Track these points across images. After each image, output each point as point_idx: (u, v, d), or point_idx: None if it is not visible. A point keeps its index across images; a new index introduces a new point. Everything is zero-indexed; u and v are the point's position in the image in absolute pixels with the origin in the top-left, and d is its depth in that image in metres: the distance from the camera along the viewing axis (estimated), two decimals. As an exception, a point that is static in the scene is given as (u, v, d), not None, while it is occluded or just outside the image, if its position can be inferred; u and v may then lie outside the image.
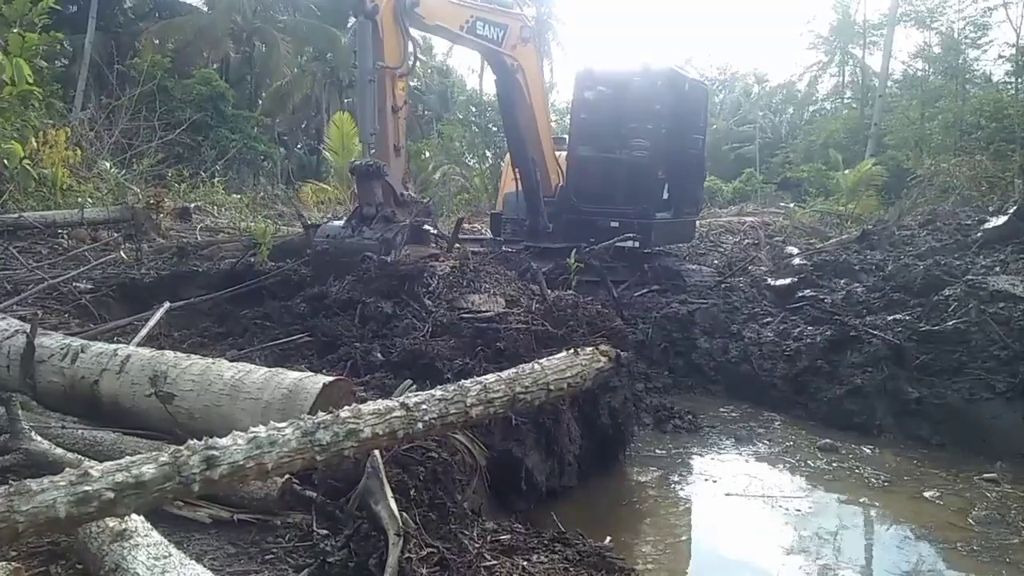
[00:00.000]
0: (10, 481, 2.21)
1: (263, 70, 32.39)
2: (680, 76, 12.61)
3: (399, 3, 7.95)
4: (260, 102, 31.74)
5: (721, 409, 7.85)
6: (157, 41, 26.58)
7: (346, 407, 2.85)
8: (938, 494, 5.64)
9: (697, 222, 13.66)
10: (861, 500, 5.65)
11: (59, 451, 3.34)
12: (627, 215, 10.65)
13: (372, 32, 7.72)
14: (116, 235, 10.00)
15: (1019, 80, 23.43)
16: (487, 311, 5.77)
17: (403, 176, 8.05)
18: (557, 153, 11.20)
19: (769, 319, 8.96)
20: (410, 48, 8.24)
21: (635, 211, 10.74)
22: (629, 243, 10.44)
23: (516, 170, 10.63)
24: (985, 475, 5.93)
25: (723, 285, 10.59)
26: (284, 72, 31.38)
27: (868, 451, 6.60)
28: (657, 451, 6.52)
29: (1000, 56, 25.58)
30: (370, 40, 7.73)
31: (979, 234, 10.10)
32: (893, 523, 5.37)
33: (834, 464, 6.29)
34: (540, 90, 10.55)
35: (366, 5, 7.61)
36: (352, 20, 35.86)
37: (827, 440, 6.74)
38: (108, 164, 13.22)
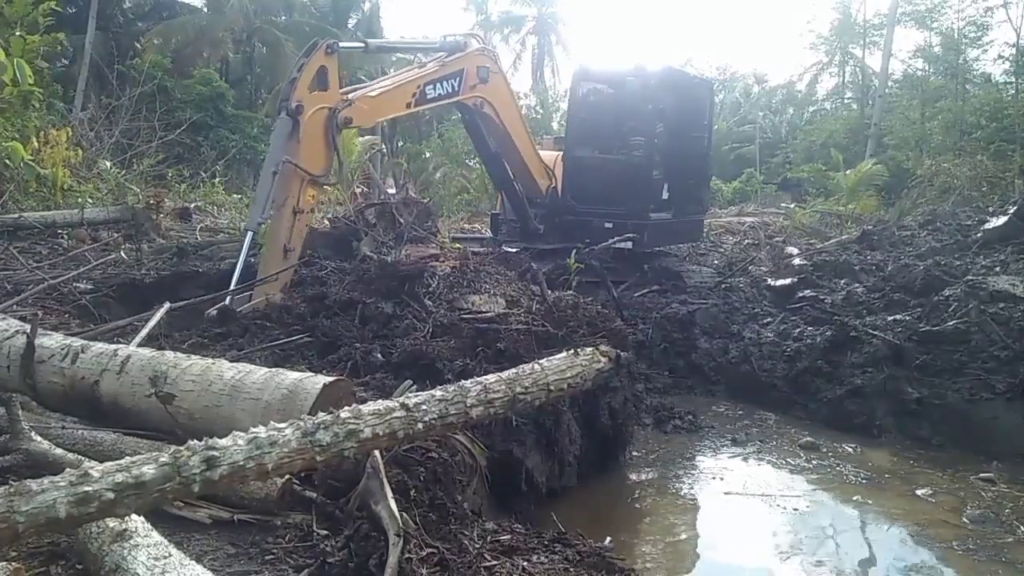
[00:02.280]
0: (10, 481, 2.22)
1: (266, 71, 32.38)
2: (679, 75, 12.59)
3: (330, 119, 7.23)
4: (261, 102, 31.73)
5: (721, 409, 7.86)
6: (157, 41, 26.57)
7: (346, 407, 2.85)
8: (931, 492, 5.68)
9: (704, 221, 13.56)
10: (857, 499, 5.67)
11: (59, 451, 3.34)
12: (621, 215, 10.62)
13: (292, 130, 7.04)
14: (116, 235, 9.99)
15: (1019, 80, 23.43)
16: (487, 312, 5.77)
17: (286, 283, 6.98)
18: (553, 154, 11.17)
19: (769, 319, 8.96)
20: (335, 164, 7.56)
21: (629, 211, 10.71)
22: (623, 243, 10.43)
23: (499, 191, 10.45)
24: (982, 475, 5.94)
25: (723, 285, 10.59)
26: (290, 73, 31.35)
27: (868, 451, 6.62)
28: (657, 451, 6.53)
29: (1000, 56, 25.57)
30: (285, 136, 7.10)
31: (979, 234, 10.09)
32: (888, 521, 5.38)
33: (833, 464, 6.30)
34: (512, 110, 9.92)
35: (291, 103, 7.00)
36: (352, 20, 36.01)
37: (820, 439, 6.76)
38: (108, 164, 13.21)
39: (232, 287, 6.71)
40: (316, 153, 7.22)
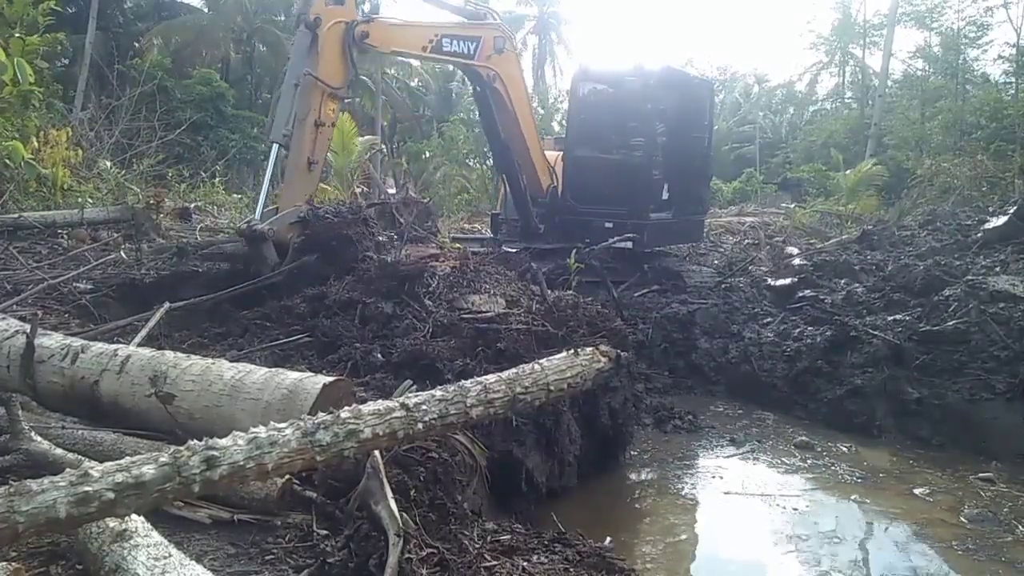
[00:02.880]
0: (10, 481, 2.21)
1: (266, 71, 32.37)
2: (679, 74, 12.59)
3: (347, 32, 7.55)
4: (262, 103, 31.72)
5: (721, 409, 7.86)
6: (157, 41, 26.57)
7: (346, 407, 2.85)
8: (928, 492, 5.69)
9: (705, 221, 13.58)
10: (855, 498, 5.68)
11: (59, 451, 3.34)
12: (622, 216, 10.63)
13: (311, 43, 7.40)
14: (116, 235, 9.97)
15: (1019, 80, 23.42)
16: (487, 311, 5.77)
17: (310, 193, 7.52)
18: (554, 154, 11.17)
19: (769, 319, 8.96)
20: (351, 74, 7.87)
21: (630, 211, 10.71)
22: (624, 243, 10.45)
23: (502, 176, 10.52)
24: (981, 475, 5.95)
25: (723, 285, 10.60)
26: (291, 72, 31.32)
27: (865, 450, 6.62)
28: (657, 451, 6.53)
29: (1000, 56, 25.57)
30: (306, 50, 7.41)
31: (979, 234, 10.09)
32: (888, 520, 5.39)
33: (831, 463, 6.31)
34: (522, 95, 10.25)
35: (309, 16, 7.28)
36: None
37: (815, 439, 6.77)
38: (108, 164, 13.19)
39: (260, 206, 7.26)
40: (334, 66, 7.52)
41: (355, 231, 7.09)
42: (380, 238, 7.27)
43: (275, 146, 7.58)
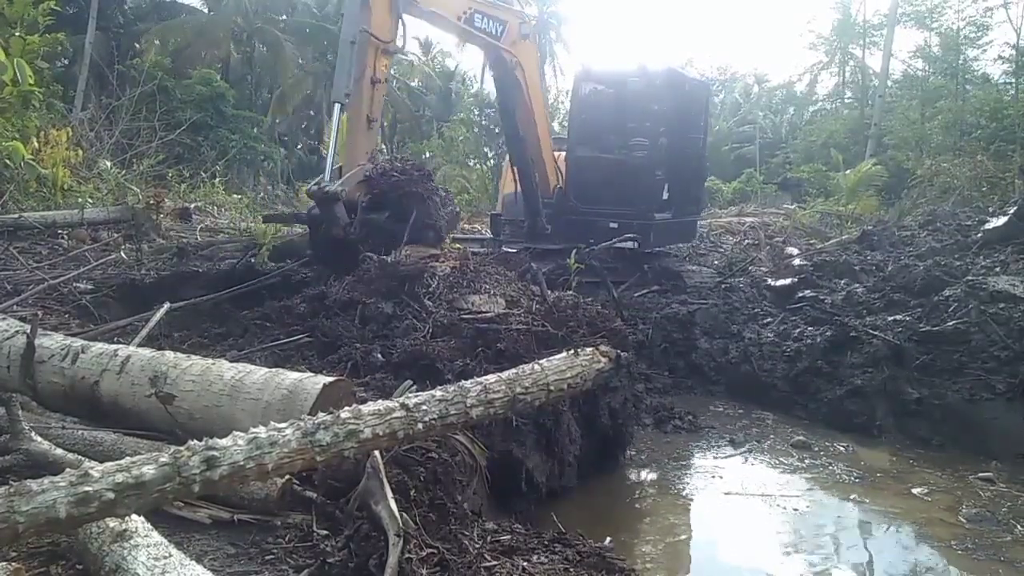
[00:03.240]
0: (10, 481, 2.22)
1: (266, 71, 32.37)
2: (679, 76, 12.60)
3: None
4: (262, 103, 31.72)
5: (721, 409, 7.86)
6: (157, 42, 26.57)
7: (346, 408, 2.85)
8: (927, 491, 5.69)
9: (699, 222, 13.64)
10: (854, 498, 5.69)
11: (59, 451, 3.34)
12: (627, 216, 10.65)
13: (363, 1, 7.60)
14: (116, 235, 9.99)
15: (1019, 80, 23.42)
16: (487, 312, 5.76)
17: (371, 151, 7.77)
18: (556, 154, 11.19)
19: (769, 320, 8.96)
20: (401, 30, 8.10)
21: (635, 212, 10.74)
22: (629, 244, 10.46)
23: (515, 170, 10.60)
24: (981, 475, 5.95)
25: (723, 286, 10.59)
26: (292, 73, 31.33)
27: (863, 450, 6.63)
28: (657, 451, 6.52)
29: (1000, 56, 25.58)
30: (358, 7, 7.60)
31: (979, 234, 10.10)
32: (887, 520, 5.39)
33: (830, 462, 6.31)
34: (539, 90, 10.47)
35: None
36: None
37: (813, 438, 6.78)
38: (108, 164, 13.20)
39: (329, 167, 7.37)
40: (384, 21, 7.76)
41: (422, 187, 7.37)
42: (442, 193, 7.62)
43: (336, 106, 7.69)
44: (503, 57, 9.62)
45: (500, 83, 10.22)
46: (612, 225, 10.56)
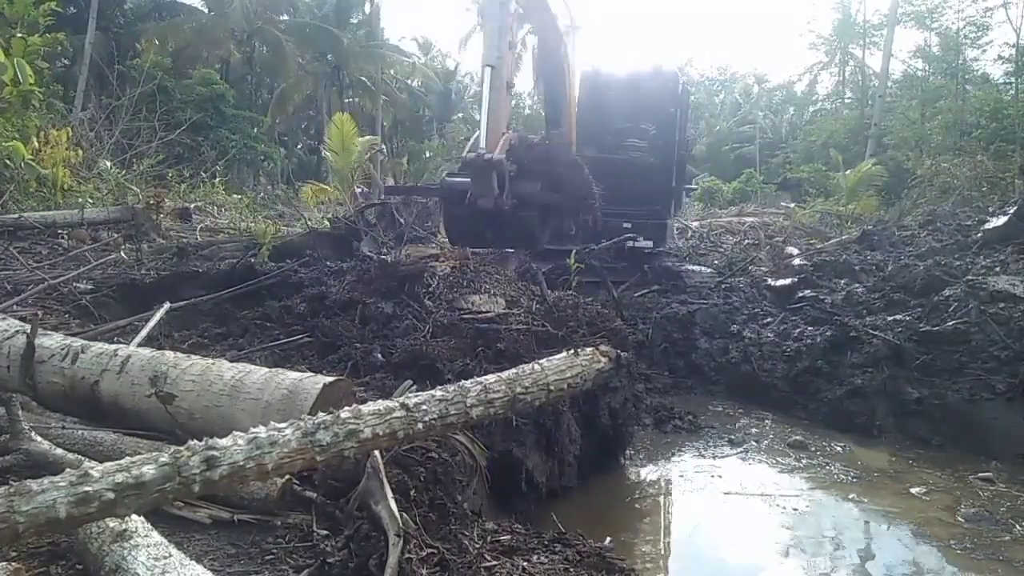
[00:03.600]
0: (10, 481, 2.22)
1: (266, 71, 32.39)
2: (679, 77, 12.64)
3: None
4: (262, 103, 31.73)
5: (721, 409, 7.86)
6: (157, 42, 26.58)
7: (346, 408, 2.84)
8: (925, 491, 5.69)
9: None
10: (853, 498, 5.68)
11: (59, 451, 3.34)
12: (640, 216, 10.74)
13: None
14: (116, 235, 9.99)
15: (1019, 80, 23.43)
16: (487, 312, 5.76)
17: (509, 118, 7.94)
18: None
19: (769, 319, 8.95)
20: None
21: (647, 212, 10.83)
22: (644, 244, 10.57)
23: None
24: (980, 475, 5.95)
25: (723, 285, 10.59)
26: (293, 73, 31.36)
27: (861, 450, 6.63)
28: (657, 451, 6.52)
29: (1000, 56, 25.59)
30: None
31: (979, 234, 10.10)
32: (886, 520, 5.39)
33: (828, 462, 6.32)
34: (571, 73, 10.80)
35: None
36: (354, 20, 35.98)
37: (810, 438, 6.78)
38: (108, 164, 13.21)
39: (484, 135, 7.22)
40: None
41: (570, 158, 7.50)
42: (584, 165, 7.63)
43: (487, 71, 7.51)
44: (558, 28, 9.94)
45: (544, 63, 10.66)
46: (625, 225, 10.60)
